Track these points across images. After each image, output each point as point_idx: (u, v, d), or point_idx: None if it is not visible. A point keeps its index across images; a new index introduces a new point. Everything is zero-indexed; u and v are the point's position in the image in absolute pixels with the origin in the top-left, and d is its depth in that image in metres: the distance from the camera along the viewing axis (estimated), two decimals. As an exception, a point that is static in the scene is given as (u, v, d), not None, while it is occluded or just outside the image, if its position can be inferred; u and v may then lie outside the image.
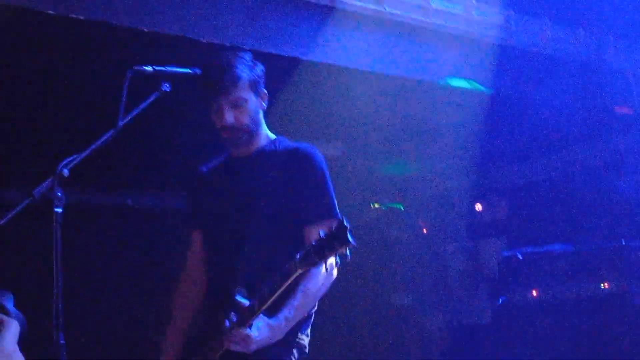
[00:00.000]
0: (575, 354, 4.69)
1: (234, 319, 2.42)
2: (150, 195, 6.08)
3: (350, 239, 2.14)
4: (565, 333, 4.76)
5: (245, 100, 2.74)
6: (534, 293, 5.20)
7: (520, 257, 5.45)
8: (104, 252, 5.61)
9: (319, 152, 2.81)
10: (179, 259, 3.05)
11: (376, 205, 7.44)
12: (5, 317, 1.03)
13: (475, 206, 7.29)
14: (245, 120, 2.74)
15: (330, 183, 2.76)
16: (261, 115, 2.85)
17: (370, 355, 6.59)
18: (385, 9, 4.45)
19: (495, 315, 5.66)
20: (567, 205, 5.63)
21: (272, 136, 2.90)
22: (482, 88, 5.24)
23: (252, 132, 2.78)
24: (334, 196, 2.74)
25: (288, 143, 2.87)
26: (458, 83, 5.15)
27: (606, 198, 5.43)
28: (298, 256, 2.26)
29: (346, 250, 2.17)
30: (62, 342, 2.00)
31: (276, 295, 2.34)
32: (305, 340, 2.72)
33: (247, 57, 2.80)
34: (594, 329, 4.68)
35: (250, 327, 2.40)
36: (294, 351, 2.67)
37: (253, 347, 2.42)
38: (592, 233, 5.51)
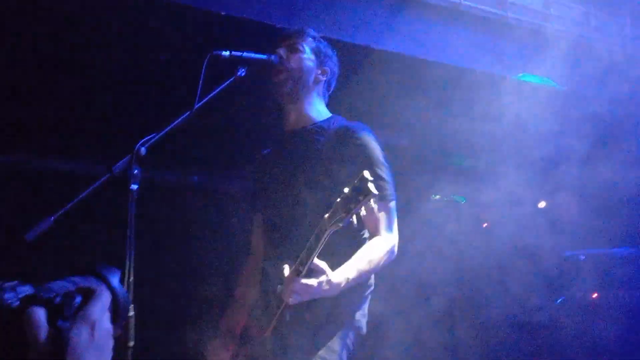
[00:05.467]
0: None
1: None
2: (217, 176, 6.18)
3: (371, 189, 2.14)
4: (624, 338, 4.66)
5: (303, 50, 2.74)
6: (594, 295, 5.09)
7: (583, 258, 5.35)
8: (170, 228, 5.74)
9: (371, 130, 2.73)
10: (241, 238, 3.09)
11: (437, 197, 7.37)
12: (97, 287, 1.02)
13: (539, 204, 7.16)
14: (295, 64, 2.73)
15: (385, 159, 2.67)
16: (315, 85, 2.80)
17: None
18: (461, 1, 4.41)
19: (553, 315, 5.58)
20: (637, 209, 5.47)
21: (328, 114, 2.86)
22: (555, 85, 5.14)
23: (296, 83, 2.74)
24: (389, 172, 2.66)
25: (342, 121, 2.79)
26: (532, 79, 5.07)
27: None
28: (327, 215, 2.28)
29: (370, 201, 2.16)
30: (132, 313, 2.08)
31: (313, 256, 2.33)
32: (362, 321, 2.67)
33: (314, 32, 2.83)
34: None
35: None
36: (350, 334, 2.61)
37: (312, 295, 2.40)
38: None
